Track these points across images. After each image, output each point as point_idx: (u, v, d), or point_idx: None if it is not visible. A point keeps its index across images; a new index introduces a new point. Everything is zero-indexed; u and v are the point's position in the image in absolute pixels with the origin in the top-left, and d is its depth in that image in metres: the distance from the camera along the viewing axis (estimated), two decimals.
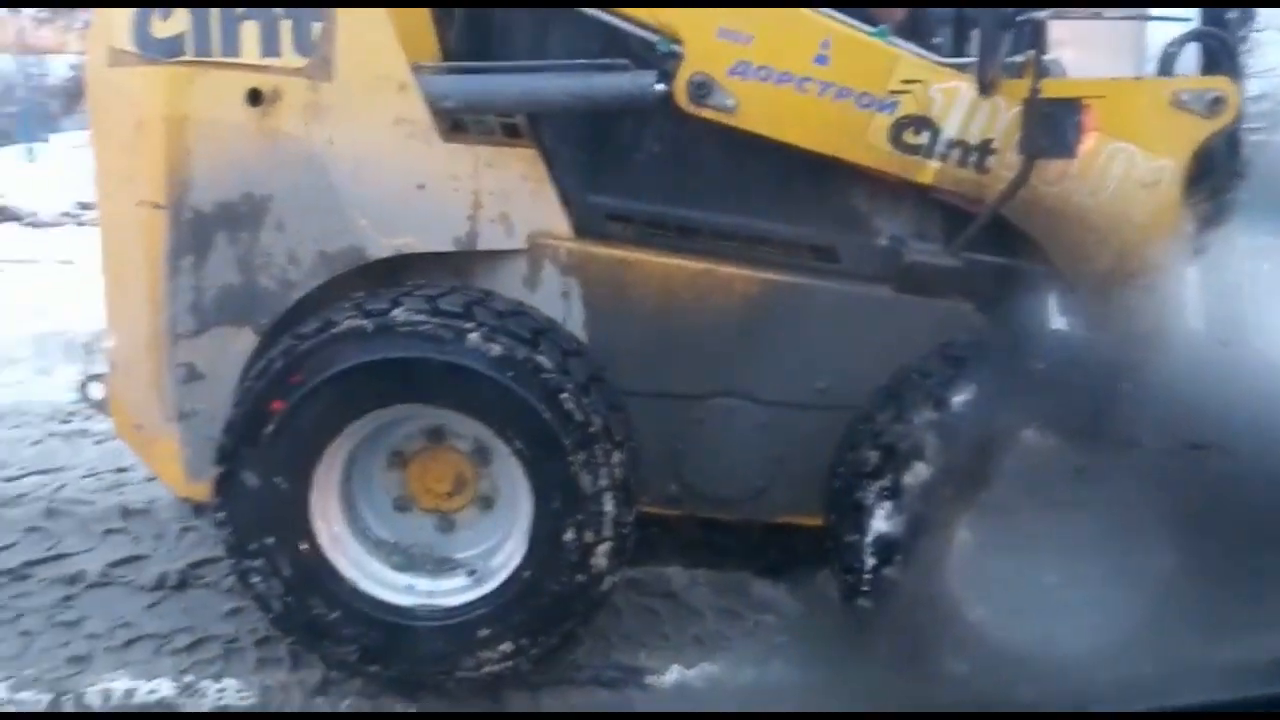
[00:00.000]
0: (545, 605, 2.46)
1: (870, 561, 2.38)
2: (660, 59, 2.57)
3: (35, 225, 16.55)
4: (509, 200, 2.68)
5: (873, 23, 2.58)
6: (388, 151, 2.60)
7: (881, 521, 2.37)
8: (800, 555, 2.96)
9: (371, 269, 2.64)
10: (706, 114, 2.58)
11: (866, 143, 2.57)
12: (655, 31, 2.57)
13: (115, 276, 2.81)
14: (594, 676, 2.68)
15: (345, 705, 2.55)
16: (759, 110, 2.57)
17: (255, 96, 2.53)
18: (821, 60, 2.54)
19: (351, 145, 2.58)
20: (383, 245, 2.62)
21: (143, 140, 2.61)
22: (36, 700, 2.52)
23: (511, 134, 2.74)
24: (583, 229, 2.74)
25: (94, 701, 2.53)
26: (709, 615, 2.99)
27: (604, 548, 2.44)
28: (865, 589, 2.40)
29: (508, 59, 2.70)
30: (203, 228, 2.60)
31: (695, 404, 2.78)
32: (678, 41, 2.57)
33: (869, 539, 2.38)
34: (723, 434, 2.79)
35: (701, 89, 2.56)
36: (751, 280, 2.72)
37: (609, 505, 2.43)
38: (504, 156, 2.68)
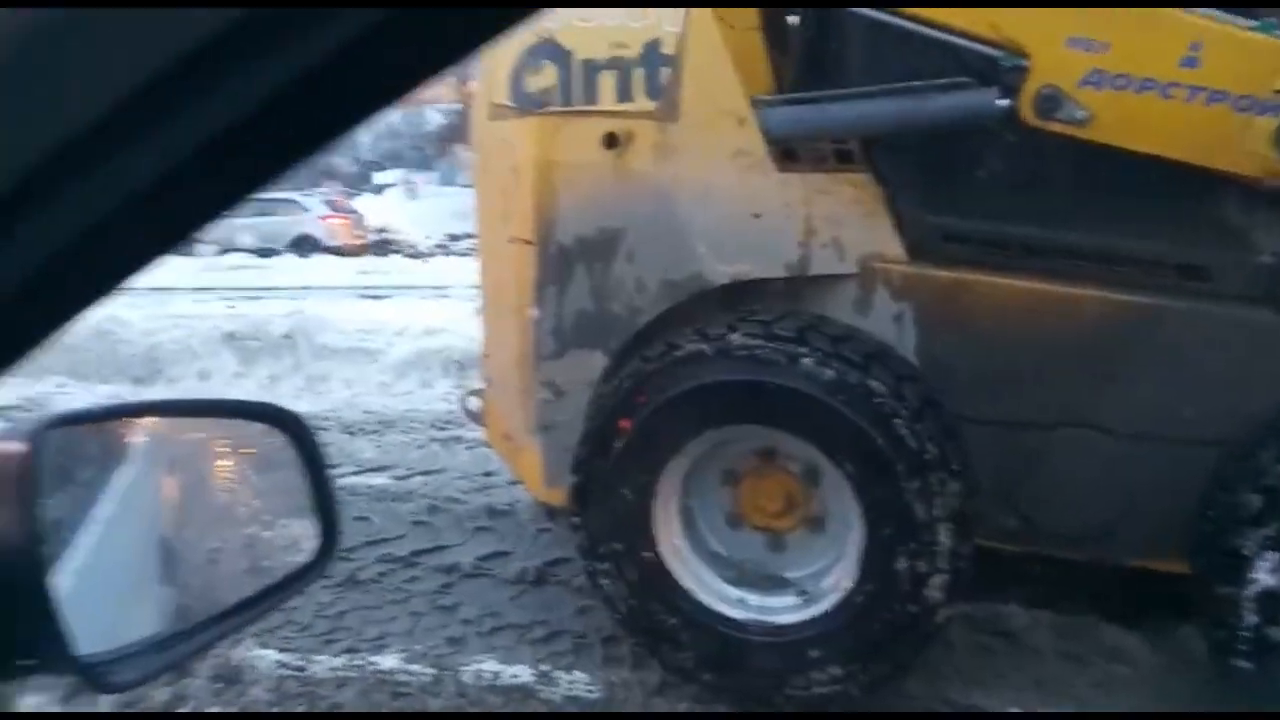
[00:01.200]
0: (876, 632, 2.45)
1: (1250, 618, 2.14)
2: (1003, 74, 2.49)
3: (414, 256, 19.03)
4: (841, 225, 2.71)
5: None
6: (727, 183, 2.73)
7: (1265, 574, 2.12)
8: (1157, 603, 2.70)
9: (710, 295, 2.78)
10: (1055, 128, 2.46)
11: (1245, 149, 2.32)
12: (997, 46, 2.50)
13: (491, 304, 3.20)
14: (925, 709, 2.63)
15: (682, 708, 2.70)
16: (1115, 121, 2.41)
17: (611, 140, 2.77)
18: (1190, 63, 2.33)
19: (695, 179, 2.75)
20: (721, 272, 2.76)
21: (517, 184, 2.95)
22: (423, 674, 2.91)
23: (844, 159, 2.77)
24: (917, 251, 2.70)
25: (467, 680, 2.88)
26: (1050, 658, 2.82)
27: (938, 579, 2.39)
28: (1243, 648, 2.16)
29: (842, 85, 2.74)
30: (564, 260, 2.89)
31: (1038, 434, 2.64)
32: (1023, 55, 2.47)
33: (1249, 592, 2.14)
34: (1068, 467, 2.63)
35: (1050, 102, 2.45)
36: (1105, 302, 2.54)
37: (944, 536, 2.37)
38: (836, 182, 2.72)
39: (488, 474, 4.47)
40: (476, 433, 4.37)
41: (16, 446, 0.61)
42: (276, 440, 1.11)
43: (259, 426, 1.02)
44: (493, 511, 4.09)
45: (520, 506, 4.03)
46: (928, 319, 2.70)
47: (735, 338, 2.51)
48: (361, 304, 8.84)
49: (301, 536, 1.13)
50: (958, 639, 2.84)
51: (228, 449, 1.16)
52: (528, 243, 2.92)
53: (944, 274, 2.68)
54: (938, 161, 2.71)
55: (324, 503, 0.89)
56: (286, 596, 0.87)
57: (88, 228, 0.37)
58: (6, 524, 0.60)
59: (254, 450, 1.15)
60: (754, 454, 2.71)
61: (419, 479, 4.55)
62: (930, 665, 2.67)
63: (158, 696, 2.67)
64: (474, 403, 3.51)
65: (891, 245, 2.71)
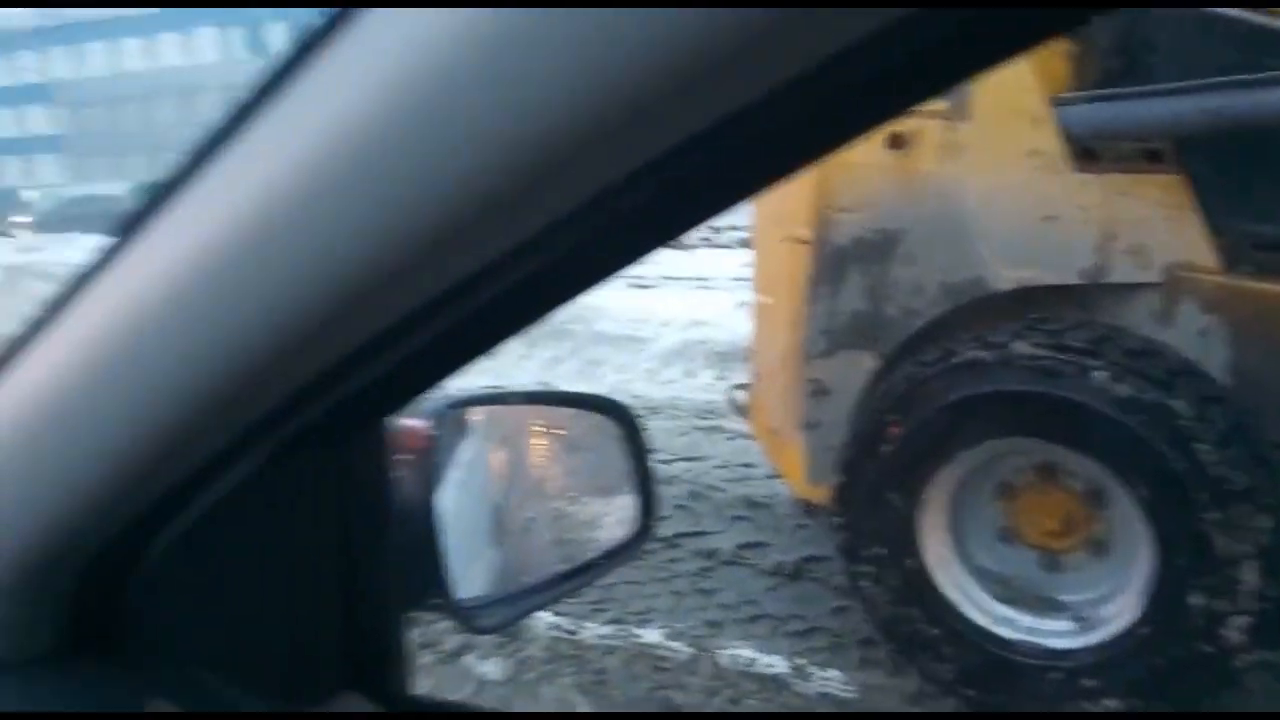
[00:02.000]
0: (1161, 669, 2.29)
1: None
2: None
3: (679, 247, 19.53)
4: (1144, 230, 2.53)
5: None
6: (1018, 185, 2.63)
7: None
8: None
9: (992, 301, 2.70)
10: None
11: None
12: None
13: (763, 300, 3.26)
14: None
15: None
16: None
17: (896, 140, 2.75)
18: None
19: (983, 180, 2.67)
20: (1006, 277, 2.66)
21: (795, 184, 2.99)
22: (682, 651, 3.05)
23: (1152, 159, 2.58)
24: (1230, 260, 2.48)
25: (724, 663, 2.98)
26: None
27: (1239, 620, 2.20)
28: None
29: (1151, 80, 2.56)
30: (840, 260, 2.90)
31: None
32: None
33: None
34: None
35: None
36: None
37: (1248, 574, 2.18)
38: (1140, 184, 2.54)
39: (747, 465, 4.55)
40: (738, 424, 4.47)
41: (422, 423, 0.74)
42: (583, 425, 1.23)
43: (582, 413, 1.14)
44: (751, 502, 4.17)
45: (779, 500, 4.09)
46: (1240, 335, 2.46)
47: (1020, 346, 2.42)
48: (632, 293, 9.23)
49: (601, 514, 1.24)
50: (1261, 688, 2.58)
51: (542, 429, 1.31)
52: (803, 242, 2.95)
53: (1264, 287, 2.44)
54: (1255, 163, 2.46)
55: (644, 487, 0.99)
56: (609, 568, 0.97)
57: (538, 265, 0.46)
58: (415, 487, 0.73)
59: (564, 431, 1.29)
60: (1032, 469, 2.60)
61: (681, 464, 4.71)
62: (1225, 711, 2.45)
63: (448, 644, 2.98)
64: (739, 396, 3.60)
65: (1202, 253, 2.49)
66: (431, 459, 0.76)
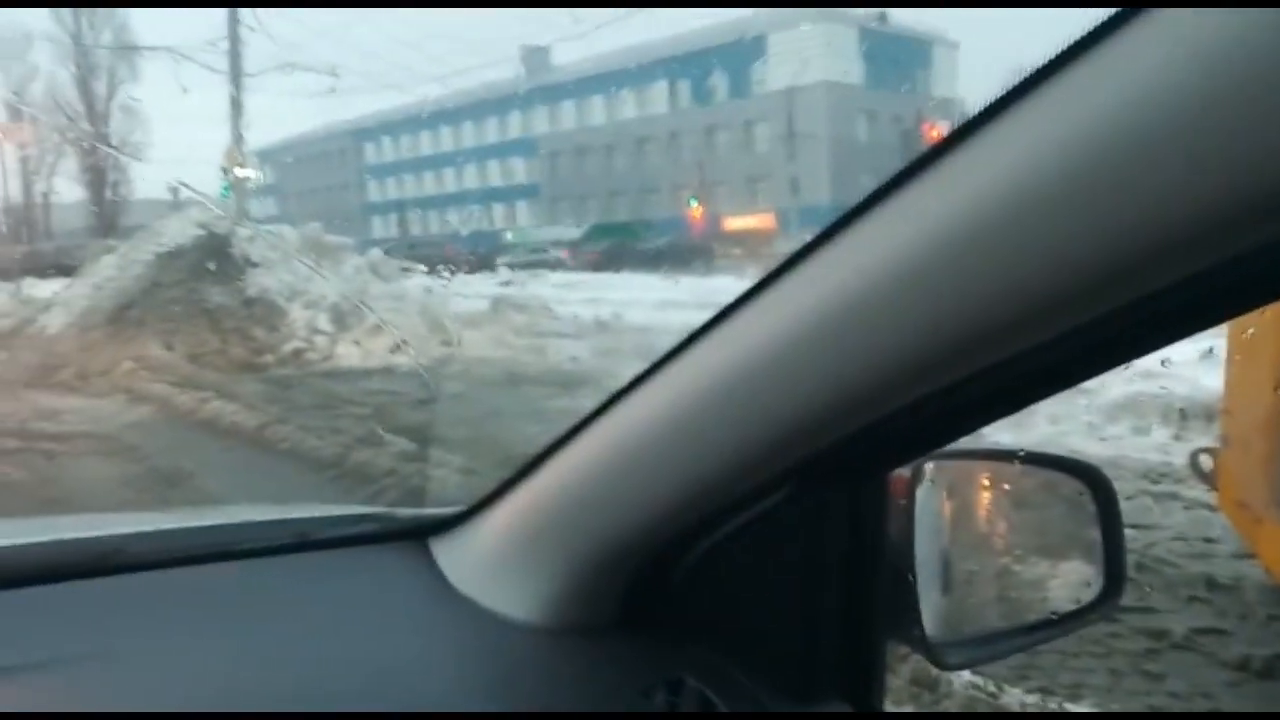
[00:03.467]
0: None
1: None
2: None
3: None
4: None
5: None
6: None
7: None
8: None
9: None
10: None
11: None
12: None
13: (1240, 357, 2.89)
14: None
15: None
16: None
17: None
18: None
19: None
20: None
21: None
22: None
23: None
24: None
25: None
26: None
27: None
28: None
29: None
30: None
31: None
32: None
33: None
34: None
35: None
36: None
37: None
38: None
39: (1209, 540, 4.02)
40: (1198, 493, 3.97)
41: (903, 471, 0.83)
42: (1033, 482, 1.21)
43: (1031, 469, 1.13)
44: (1212, 583, 3.68)
45: (1248, 584, 3.56)
46: None
47: None
48: None
49: (1046, 576, 1.21)
50: None
51: (989, 482, 1.30)
52: None
53: None
54: None
55: (1113, 552, 0.97)
56: (1068, 630, 0.97)
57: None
58: (898, 529, 0.82)
59: (1008, 487, 1.27)
60: None
61: (1127, 532, 4.28)
62: None
63: None
64: (1205, 461, 3.21)
65: None
66: (913, 505, 0.83)
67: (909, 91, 47.37)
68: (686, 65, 48.34)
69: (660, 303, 14.76)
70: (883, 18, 44.14)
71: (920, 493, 1.17)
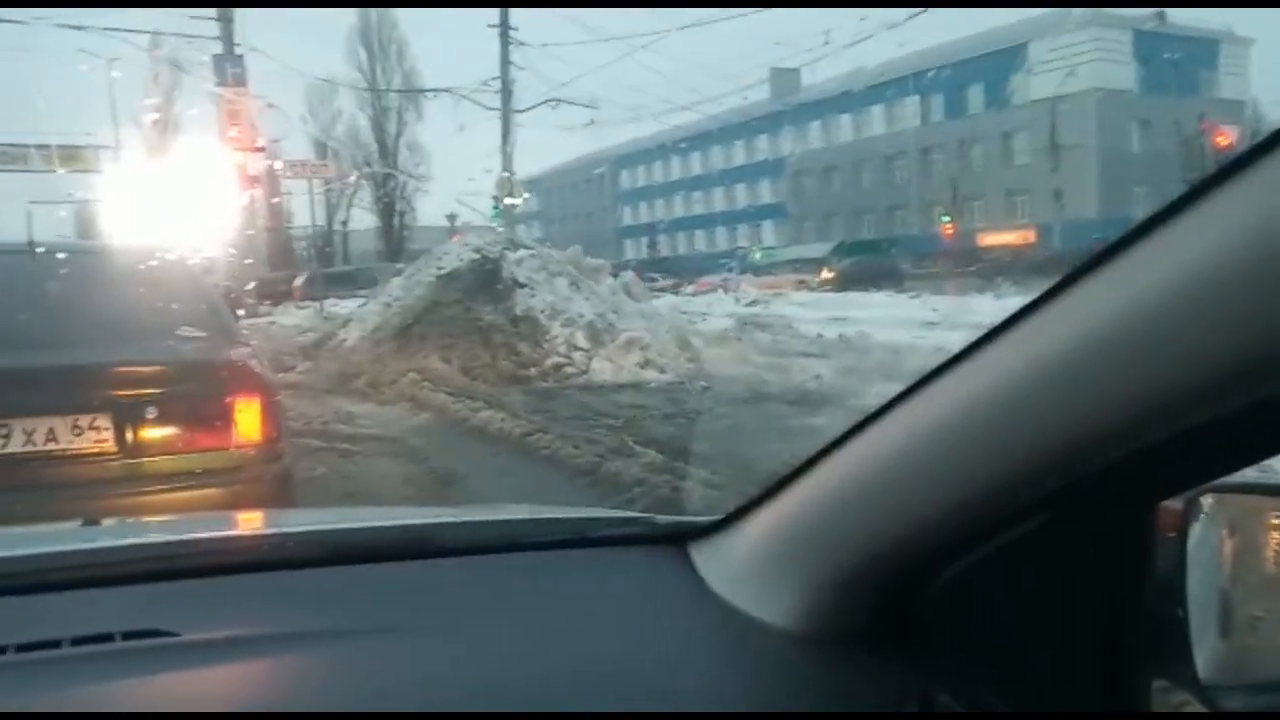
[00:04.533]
0: None
1: None
2: None
3: None
4: None
5: None
6: None
7: None
8: None
9: None
10: None
11: None
12: None
13: None
14: None
15: None
16: None
17: None
18: None
19: None
20: None
21: None
22: None
23: None
24: None
25: None
26: None
27: None
28: None
29: None
30: None
31: None
32: None
33: None
34: None
35: None
36: None
37: None
38: None
39: None
40: None
41: (1174, 503, 0.79)
42: None
43: None
44: None
45: None
46: None
47: None
48: None
49: None
50: None
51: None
52: None
53: None
54: None
55: None
56: None
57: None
58: (1168, 565, 0.79)
59: None
60: None
61: None
62: None
63: None
64: None
65: None
66: (1185, 539, 0.79)
67: (1189, 96, 43.16)
68: (939, 79, 46.71)
69: (907, 321, 14.36)
70: (1160, 17, 40.53)
71: (1195, 527, 1.10)
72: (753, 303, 21.66)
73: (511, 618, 1.00)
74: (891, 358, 9.74)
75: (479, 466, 6.57)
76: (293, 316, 19.10)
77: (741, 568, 0.98)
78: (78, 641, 0.88)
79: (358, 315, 13.08)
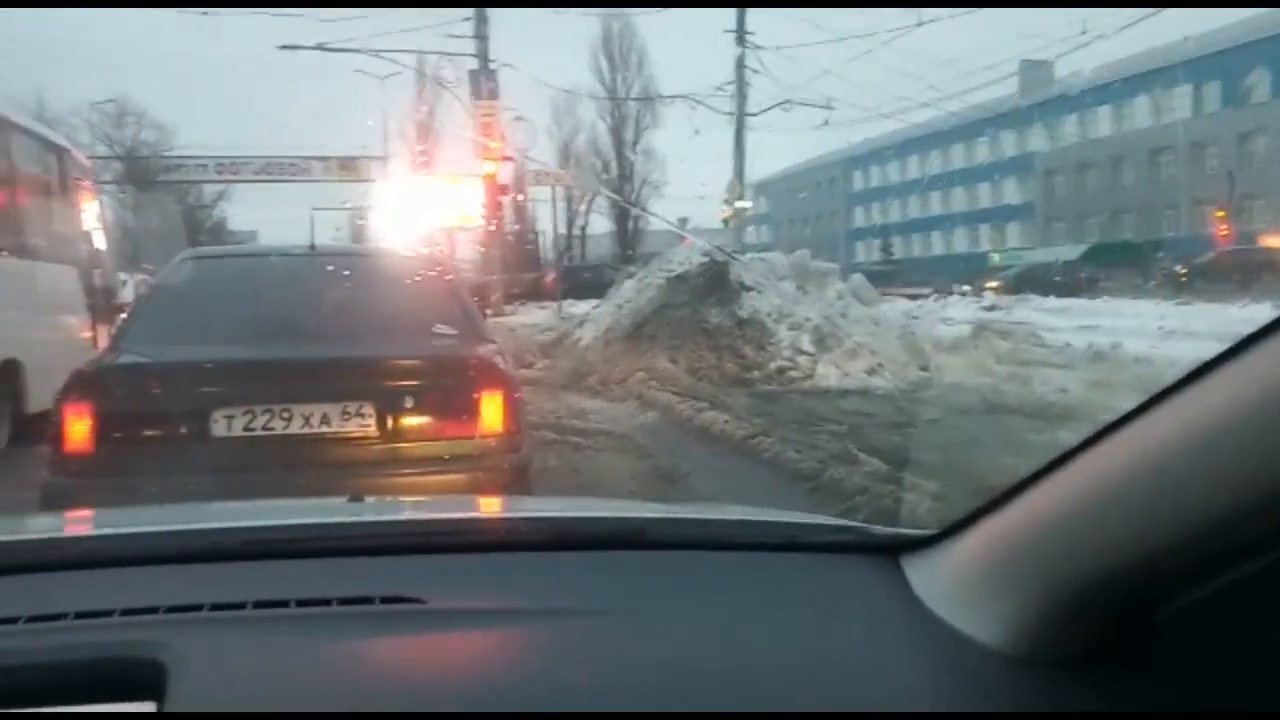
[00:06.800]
0: None
1: None
2: None
3: None
4: None
5: None
6: None
7: None
8: None
9: None
10: None
11: None
12: None
13: None
14: None
15: None
16: None
17: None
18: None
19: None
20: None
21: None
22: None
23: None
24: None
25: None
26: None
27: None
28: None
29: None
30: None
31: None
32: None
33: None
34: None
35: None
36: None
37: None
38: None
39: None
40: None
41: None
42: None
43: None
44: None
45: None
46: None
47: None
48: None
49: None
50: None
51: None
52: None
53: None
54: None
55: None
56: None
57: None
58: None
59: None
60: None
61: None
62: None
63: None
64: None
65: None
66: None
67: None
68: (1217, 65, 42.33)
69: (1171, 333, 13.17)
70: None
71: None
72: (991, 307, 20.63)
73: (721, 613, 1.03)
74: (1148, 371, 8.99)
75: (701, 466, 6.68)
76: (533, 316, 20.16)
77: (957, 583, 0.97)
78: (344, 601, 1.02)
79: (592, 316, 13.62)
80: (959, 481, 5.25)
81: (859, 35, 30.90)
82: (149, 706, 0.84)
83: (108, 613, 0.97)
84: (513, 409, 3.67)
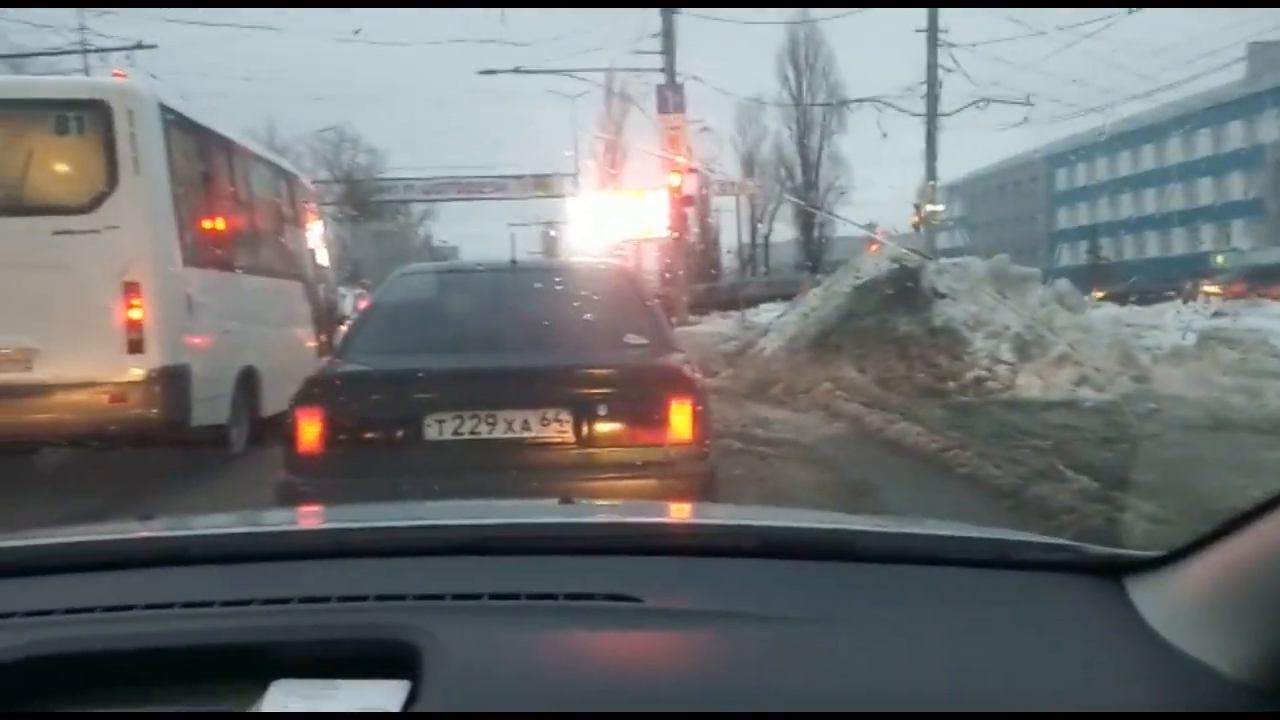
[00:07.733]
0: None
1: None
2: None
3: None
4: None
5: None
6: None
7: None
8: None
9: None
10: None
11: None
12: None
13: None
14: None
15: None
16: None
17: None
18: None
19: None
20: None
21: None
22: None
23: None
24: None
25: None
26: None
27: None
28: None
29: None
30: None
31: None
32: None
33: None
34: None
35: None
36: None
37: None
38: None
39: None
40: None
41: None
42: None
43: None
44: None
45: None
46: None
47: None
48: None
49: None
50: None
51: None
52: None
53: None
54: None
55: None
56: None
57: None
58: None
59: None
60: None
61: None
62: None
63: None
64: None
65: None
66: None
67: None
68: None
69: None
70: None
71: None
72: (1218, 314, 18.96)
73: (935, 628, 1.02)
74: None
75: (892, 480, 6.52)
76: (717, 325, 20.25)
77: (1191, 608, 0.92)
78: (569, 597, 1.07)
79: (776, 325, 13.54)
80: (1182, 502, 4.88)
81: (1061, 27, 29.17)
82: (403, 686, 0.90)
83: (363, 598, 1.05)
84: (700, 418, 3.72)
